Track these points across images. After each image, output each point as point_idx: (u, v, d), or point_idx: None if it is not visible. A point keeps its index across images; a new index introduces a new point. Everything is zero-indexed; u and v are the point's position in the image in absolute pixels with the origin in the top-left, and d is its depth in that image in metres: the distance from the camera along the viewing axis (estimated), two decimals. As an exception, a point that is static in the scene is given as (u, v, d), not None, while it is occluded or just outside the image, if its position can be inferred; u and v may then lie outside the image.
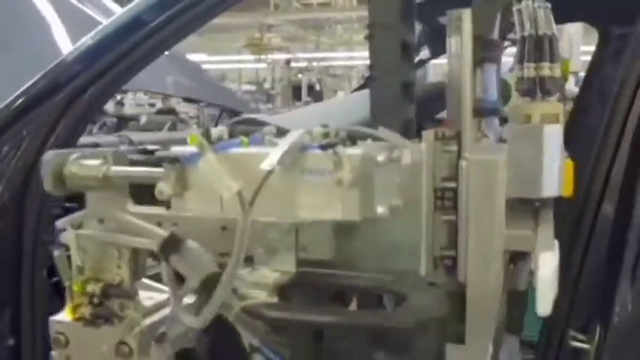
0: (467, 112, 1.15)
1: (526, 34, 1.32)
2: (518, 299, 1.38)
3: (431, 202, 1.15)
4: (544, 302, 0.86)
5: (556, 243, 1.05)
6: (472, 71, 1.15)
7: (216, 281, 0.93)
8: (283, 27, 12.24)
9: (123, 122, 4.63)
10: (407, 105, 1.23)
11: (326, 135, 1.05)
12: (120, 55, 1.97)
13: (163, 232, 1.04)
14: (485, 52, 1.17)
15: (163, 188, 1.01)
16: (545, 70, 1.32)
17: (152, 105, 6.73)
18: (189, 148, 1.03)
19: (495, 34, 1.19)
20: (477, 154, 1.14)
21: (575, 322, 1.35)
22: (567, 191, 1.21)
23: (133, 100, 6.58)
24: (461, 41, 1.13)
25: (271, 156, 0.97)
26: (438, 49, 3.01)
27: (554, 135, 1.17)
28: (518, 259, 1.39)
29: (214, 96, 4.67)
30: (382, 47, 1.19)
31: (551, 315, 1.37)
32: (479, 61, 1.17)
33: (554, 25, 1.35)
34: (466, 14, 1.14)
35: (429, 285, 1.11)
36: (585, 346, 1.29)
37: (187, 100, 4.71)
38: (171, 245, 1.00)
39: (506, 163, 1.13)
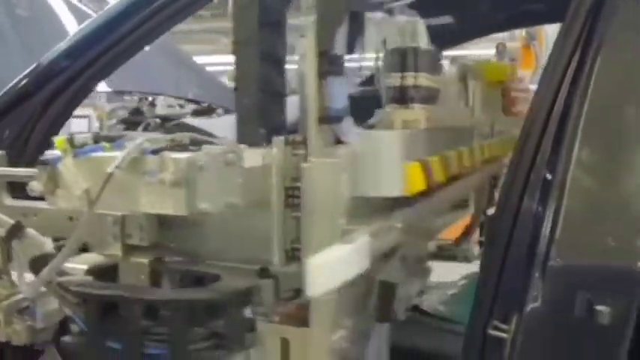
0: (312, 120, 1.29)
1: (391, 47, 1.44)
2: (387, 290, 1.49)
3: (282, 200, 1.29)
4: (311, 285, 0.98)
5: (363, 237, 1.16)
6: (317, 83, 1.28)
7: (46, 262, 1.11)
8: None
9: (166, 122, 4.87)
10: (273, 114, 1.37)
11: (172, 140, 1.21)
12: (98, 52, 2.21)
13: (10, 221, 1.22)
14: (329, 65, 1.30)
15: (34, 186, 1.20)
16: (409, 79, 1.45)
17: (181, 106, 7.01)
18: (58, 152, 1.21)
19: (341, 49, 1.31)
20: (318, 158, 1.27)
21: (499, 312, 1.41)
22: (410, 190, 1.32)
23: (164, 102, 6.87)
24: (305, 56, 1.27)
25: (115, 160, 1.14)
26: (442, 46, 3.14)
27: (392, 139, 1.29)
28: (389, 254, 1.52)
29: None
30: (244, 61, 1.34)
31: (477, 305, 1.48)
32: (324, 74, 1.30)
33: (421, 37, 1.47)
34: (310, 31, 1.27)
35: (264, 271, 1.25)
36: (503, 335, 1.35)
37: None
38: (15, 232, 1.18)
39: (346, 165, 1.26)
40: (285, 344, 1.33)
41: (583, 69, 1.38)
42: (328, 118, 1.31)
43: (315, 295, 0.98)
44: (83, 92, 2.37)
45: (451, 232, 2.84)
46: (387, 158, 1.29)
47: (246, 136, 1.36)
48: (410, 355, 2.60)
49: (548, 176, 1.37)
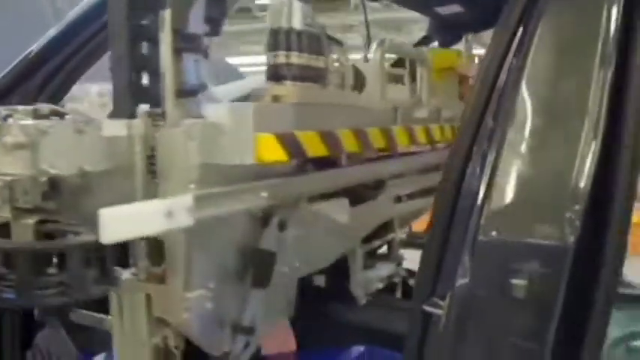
0: (169, 93, 1.40)
1: (271, 27, 1.54)
2: (263, 257, 1.59)
3: (144, 167, 1.41)
4: (103, 233, 1.09)
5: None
6: (173, 59, 1.40)
7: None
8: (361, 27, 12.47)
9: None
10: (143, 90, 1.49)
11: (35, 111, 1.35)
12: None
13: None
14: (184, 43, 1.41)
15: None
16: (281, 58, 1.54)
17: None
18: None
19: (198, 28, 1.42)
20: (170, 128, 1.38)
21: (440, 288, 1.42)
22: (262, 159, 1.41)
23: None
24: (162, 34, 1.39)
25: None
26: (446, 39, 3.19)
27: (241, 111, 1.38)
28: (265, 221, 1.61)
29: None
30: (116, 41, 1.47)
31: (418, 282, 1.53)
32: (179, 51, 1.40)
33: (295, 18, 1.56)
34: (167, 12, 1.39)
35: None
36: (438, 311, 1.38)
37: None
38: None
39: (195, 135, 1.36)
40: (148, 299, 1.45)
41: (522, 49, 1.39)
42: (184, 92, 1.41)
43: (105, 241, 1.08)
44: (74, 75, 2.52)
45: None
46: (237, 128, 1.38)
47: (119, 109, 1.48)
48: (380, 336, 2.67)
49: (487, 153, 1.37)
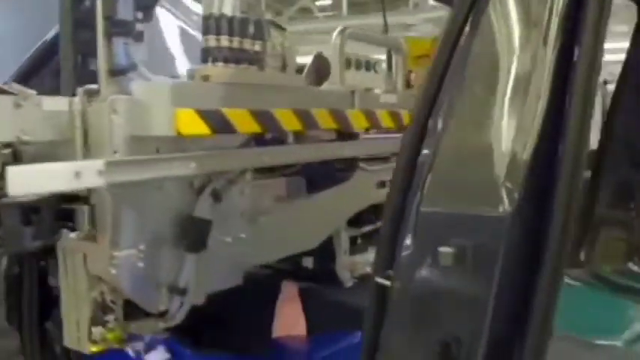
0: (102, 73, 1.58)
1: (203, 14, 1.69)
2: (196, 224, 1.73)
3: (82, 138, 1.59)
4: (10, 187, 1.26)
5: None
6: (104, 43, 1.57)
7: None
8: (420, 26, 12.41)
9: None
10: (86, 71, 1.67)
11: (-15, 88, 1.55)
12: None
13: None
14: (115, 28, 1.57)
15: None
16: (211, 41, 1.69)
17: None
18: None
19: (128, 15, 1.58)
20: (99, 103, 1.55)
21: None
22: (181, 132, 1.56)
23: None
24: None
25: None
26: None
27: (161, 88, 1.54)
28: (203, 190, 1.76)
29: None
30: (64, 27, 1.66)
31: (376, 255, 1.62)
32: (109, 35, 1.57)
33: (226, 5, 1.70)
34: (99, 1, 1.56)
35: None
36: (386, 283, 1.39)
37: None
38: None
39: (119, 109, 1.53)
40: (85, 258, 1.62)
41: (472, 26, 1.39)
42: (116, 71, 1.58)
43: (13, 194, 1.26)
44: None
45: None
46: (157, 103, 1.53)
47: (65, 88, 1.67)
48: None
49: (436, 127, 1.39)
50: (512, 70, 1.42)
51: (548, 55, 1.34)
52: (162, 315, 1.76)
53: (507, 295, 1.21)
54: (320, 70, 2.29)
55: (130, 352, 2.65)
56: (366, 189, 2.72)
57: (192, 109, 1.58)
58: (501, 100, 1.33)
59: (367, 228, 3.09)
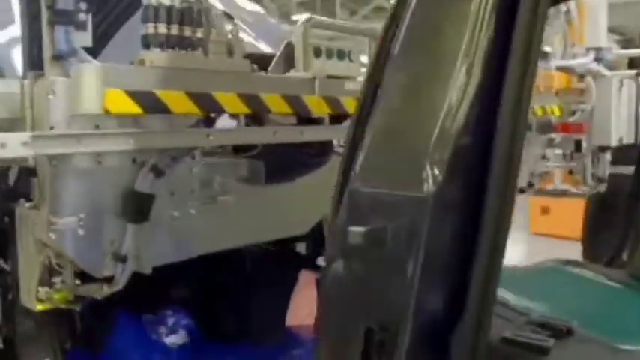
0: (46, 58, 1.76)
1: (144, 3, 1.85)
2: (137, 198, 1.88)
3: (31, 117, 1.77)
4: None
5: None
6: (47, 30, 1.75)
7: None
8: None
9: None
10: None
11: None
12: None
13: None
14: (56, 17, 1.74)
15: None
16: (150, 29, 1.84)
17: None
18: None
19: (68, 5, 1.75)
20: (41, 85, 1.73)
21: None
22: (111, 110, 1.71)
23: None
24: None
25: None
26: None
27: (90, 70, 1.70)
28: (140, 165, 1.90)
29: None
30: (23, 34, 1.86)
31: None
32: (52, 23, 1.74)
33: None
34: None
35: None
36: (323, 263, 1.39)
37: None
38: None
39: (56, 89, 1.70)
40: (33, 224, 1.81)
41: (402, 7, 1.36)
42: (58, 56, 1.76)
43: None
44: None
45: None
46: (87, 84, 1.70)
47: (25, 72, 1.86)
48: None
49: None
50: (439, 51, 1.41)
51: (481, 37, 1.32)
52: (108, 280, 1.92)
53: (434, 279, 1.16)
54: (289, 58, 2.38)
55: (152, 335, 2.86)
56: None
57: (121, 89, 1.73)
58: (428, 80, 1.30)
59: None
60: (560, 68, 3.64)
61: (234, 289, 3.11)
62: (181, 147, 1.96)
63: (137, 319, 2.77)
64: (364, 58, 2.69)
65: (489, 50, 1.19)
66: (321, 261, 1.56)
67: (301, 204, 2.58)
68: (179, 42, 1.88)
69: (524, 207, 6.46)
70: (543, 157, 3.83)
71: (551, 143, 3.83)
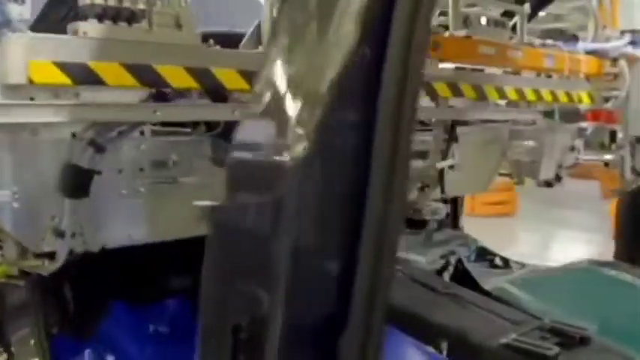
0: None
1: None
2: (75, 172, 1.85)
3: None
4: None
5: None
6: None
7: None
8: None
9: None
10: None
11: None
12: None
13: None
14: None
15: None
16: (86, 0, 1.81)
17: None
18: None
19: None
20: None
21: None
22: (35, 81, 1.68)
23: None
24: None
25: None
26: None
27: (15, 40, 1.68)
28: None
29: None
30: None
31: None
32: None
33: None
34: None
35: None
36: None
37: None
38: None
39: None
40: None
41: None
42: (-10, 28, 1.75)
43: None
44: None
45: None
46: (13, 54, 1.68)
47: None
48: None
49: None
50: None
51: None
52: (50, 256, 1.90)
53: (310, 268, 1.03)
54: (259, 36, 2.30)
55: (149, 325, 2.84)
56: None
57: (49, 60, 1.70)
58: (303, 43, 1.15)
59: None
60: (590, 52, 3.35)
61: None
62: (124, 121, 1.92)
63: (132, 308, 2.75)
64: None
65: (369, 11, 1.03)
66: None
67: None
68: (117, 13, 1.83)
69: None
70: (572, 149, 3.54)
71: (581, 133, 3.55)
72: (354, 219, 0.99)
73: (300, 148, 0.98)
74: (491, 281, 3.09)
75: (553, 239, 7.87)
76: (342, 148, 1.05)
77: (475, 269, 3.36)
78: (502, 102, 3.11)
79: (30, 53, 1.68)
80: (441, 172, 2.91)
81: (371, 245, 1.01)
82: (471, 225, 7.69)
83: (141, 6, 1.87)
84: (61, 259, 1.89)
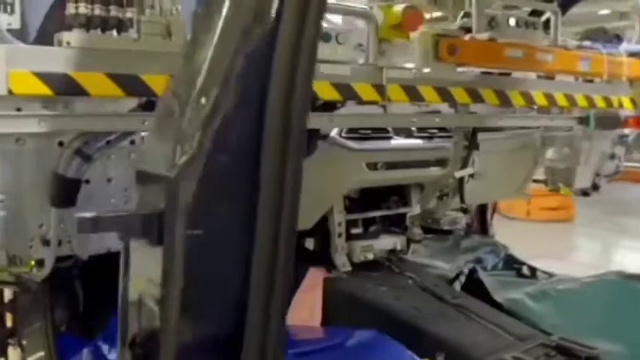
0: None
1: None
2: (59, 181, 1.85)
3: None
4: None
5: None
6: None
7: None
8: None
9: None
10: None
11: None
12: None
13: None
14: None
15: None
16: (71, 9, 1.81)
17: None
18: None
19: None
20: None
21: None
22: (17, 91, 1.68)
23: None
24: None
25: None
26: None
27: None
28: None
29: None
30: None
31: None
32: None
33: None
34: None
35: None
36: None
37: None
38: None
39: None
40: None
41: None
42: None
43: None
44: None
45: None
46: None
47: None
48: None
49: None
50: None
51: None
52: (40, 263, 1.92)
53: (203, 280, 1.02)
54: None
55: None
56: (352, 169, 2.61)
57: (29, 70, 1.70)
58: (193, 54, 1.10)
59: (374, 214, 2.95)
60: (633, 54, 3.13)
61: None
62: (111, 131, 1.90)
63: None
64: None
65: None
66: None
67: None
68: (102, 22, 1.81)
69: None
70: (613, 156, 3.33)
71: (622, 140, 3.32)
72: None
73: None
74: (509, 292, 2.99)
75: (614, 247, 7.50)
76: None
77: (499, 278, 3.25)
78: (534, 107, 2.95)
79: (10, 63, 1.68)
80: (461, 180, 2.79)
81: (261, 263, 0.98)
82: (527, 230, 7.44)
83: (129, 15, 1.85)
84: (48, 266, 1.90)
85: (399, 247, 2.95)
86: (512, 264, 3.51)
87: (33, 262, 1.90)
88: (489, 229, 3.98)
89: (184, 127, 0.97)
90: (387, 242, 2.92)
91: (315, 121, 2.27)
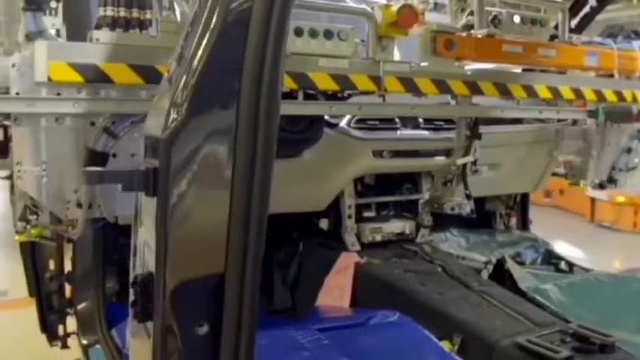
0: (21, 37, 2.19)
1: None
2: (90, 155, 2.23)
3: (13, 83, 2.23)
4: None
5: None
6: (22, 15, 2.18)
7: None
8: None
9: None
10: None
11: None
12: None
13: None
14: (26, 4, 2.15)
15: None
16: (101, 12, 2.20)
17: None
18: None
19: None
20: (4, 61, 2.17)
21: None
22: (55, 80, 2.08)
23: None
24: (20, 0, 2.19)
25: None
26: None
27: (41, 46, 2.08)
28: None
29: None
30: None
31: None
32: (24, 9, 2.15)
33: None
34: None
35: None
36: None
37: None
38: None
39: (18, 63, 2.12)
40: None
41: None
42: (29, 36, 2.17)
43: None
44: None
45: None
46: (38, 58, 2.08)
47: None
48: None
49: None
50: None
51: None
52: (73, 223, 2.31)
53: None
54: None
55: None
56: (353, 155, 2.86)
57: (65, 61, 2.09)
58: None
59: (384, 199, 3.18)
60: (648, 49, 3.22)
61: (284, 264, 3.34)
62: (135, 113, 2.27)
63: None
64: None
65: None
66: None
67: (311, 179, 2.73)
68: (126, 22, 2.18)
69: None
70: (629, 150, 3.40)
71: (639, 135, 3.40)
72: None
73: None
74: (538, 283, 3.04)
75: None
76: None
77: (533, 271, 3.30)
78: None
79: (50, 56, 2.08)
80: (464, 168, 2.99)
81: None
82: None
83: (148, 15, 2.21)
84: (80, 226, 2.29)
85: (407, 232, 3.17)
86: (550, 259, 3.53)
87: (70, 222, 2.29)
88: (528, 224, 3.99)
89: (175, 99, 1.22)
90: (396, 226, 3.15)
91: (317, 108, 2.56)
